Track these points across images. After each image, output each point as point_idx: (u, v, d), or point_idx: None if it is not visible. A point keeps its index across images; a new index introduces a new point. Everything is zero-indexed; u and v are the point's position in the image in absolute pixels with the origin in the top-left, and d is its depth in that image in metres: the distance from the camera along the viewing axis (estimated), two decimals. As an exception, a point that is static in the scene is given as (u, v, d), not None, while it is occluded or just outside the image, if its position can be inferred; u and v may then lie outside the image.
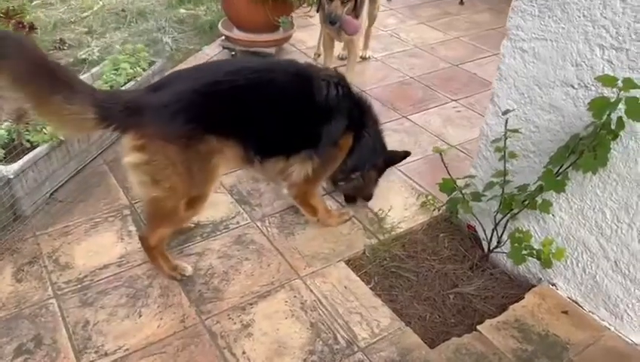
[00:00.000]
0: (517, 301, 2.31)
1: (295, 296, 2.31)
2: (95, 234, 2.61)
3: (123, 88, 3.23)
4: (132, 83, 3.31)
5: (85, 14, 5.63)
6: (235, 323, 2.18)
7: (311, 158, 2.37)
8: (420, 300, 2.37)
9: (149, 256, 2.38)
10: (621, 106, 1.77)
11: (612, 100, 1.75)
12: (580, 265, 2.23)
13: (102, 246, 2.54)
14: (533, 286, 2.40)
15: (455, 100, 3.89)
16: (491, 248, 2.48)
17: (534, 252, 2.22)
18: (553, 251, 2.16)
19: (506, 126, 2.14)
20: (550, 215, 2.27)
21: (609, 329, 2.18)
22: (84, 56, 4.60)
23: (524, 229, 2.33)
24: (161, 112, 1.98)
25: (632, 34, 1.80)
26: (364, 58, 4.43)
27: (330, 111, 2.32)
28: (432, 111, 3.74)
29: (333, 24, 3.47)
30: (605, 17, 1.86)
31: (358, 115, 2.47)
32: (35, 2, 5.75)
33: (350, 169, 2.58)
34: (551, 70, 2.10)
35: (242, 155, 2.23)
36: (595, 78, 1.86)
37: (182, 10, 5.73)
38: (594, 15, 1.89)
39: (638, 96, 1.75)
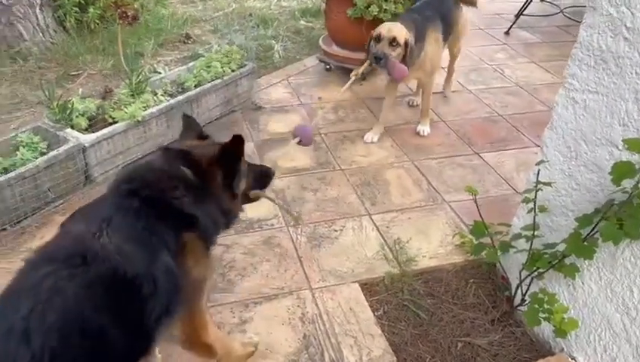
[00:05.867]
0: (528, 366, 2.15)
1: (298, 306, 2.35)
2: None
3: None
4: (218, 80, 3.58)
5: (216, 14, 6.16)
6: (234, 317, 2.28)
7: (172, 318, 1.64)
8: (425, 341, 2.29)
9: None
10: (655, 176, 1.59)
11: (638, 167, 1.58)
12: (601, 343, 2.02)
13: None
14: (553, 354, 2.20)
15: (539, 146, 3.64)
16: (515, 304, 2.32)
17: (552, 317, 2.05)
18: (565, 320, 1.97)
19: (537, 176, 2.01)
20: (580, 282, 2.08)
21: (622, 422, 1.95)
22: (202, 52, 5.03)
23: (550, 291, 2.15)
24: None
25: (682, 99, 1.61)
26: (445, 97, 4.28)
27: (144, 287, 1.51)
28: (509, 153, 3.55)
29: (378, 60, 3.22)
30: (657, 77, 1.69)
31: (177, 231, 1.64)
32: (178, -2, 6.41)
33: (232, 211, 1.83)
34: (599, 126, 1.93)
35: None
36: (622, 140, 1.69)
37: (302, 22, 6.04)
38: (646, 73, 1.72)
39: (675, 167, 1.57)
